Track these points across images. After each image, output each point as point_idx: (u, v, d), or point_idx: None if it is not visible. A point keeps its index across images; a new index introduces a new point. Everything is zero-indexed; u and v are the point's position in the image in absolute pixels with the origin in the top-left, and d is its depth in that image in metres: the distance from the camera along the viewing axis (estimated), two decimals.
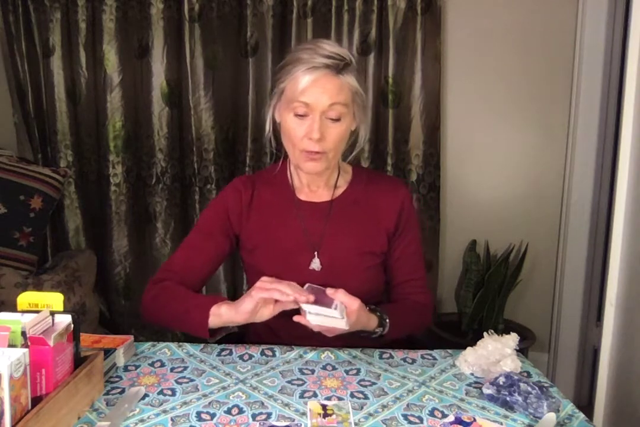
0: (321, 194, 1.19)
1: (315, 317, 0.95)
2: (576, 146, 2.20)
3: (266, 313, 0.98)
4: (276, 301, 0.98)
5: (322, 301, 0.98)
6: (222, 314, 0.98)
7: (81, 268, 2.06)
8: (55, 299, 0.86)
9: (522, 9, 2.18)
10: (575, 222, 2.24)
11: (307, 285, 1.05)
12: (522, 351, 1.52)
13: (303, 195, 1.20)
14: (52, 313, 0.82)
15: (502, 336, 1.03)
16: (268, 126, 1.14)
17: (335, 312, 0.96)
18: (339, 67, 1.02)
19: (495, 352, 1.00)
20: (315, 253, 1.15)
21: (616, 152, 1.35)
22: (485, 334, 1.04)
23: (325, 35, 2.12)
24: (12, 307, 0.85)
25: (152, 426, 0.81)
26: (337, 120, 1.05)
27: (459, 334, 2.13)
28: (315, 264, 1.15)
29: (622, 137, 1.25)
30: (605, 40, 2.11)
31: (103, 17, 2.16)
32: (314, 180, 1.18)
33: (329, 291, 0.99)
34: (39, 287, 1.83)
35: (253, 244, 1.18)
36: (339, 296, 0.98)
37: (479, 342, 1.03)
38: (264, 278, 0.98)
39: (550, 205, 2.30)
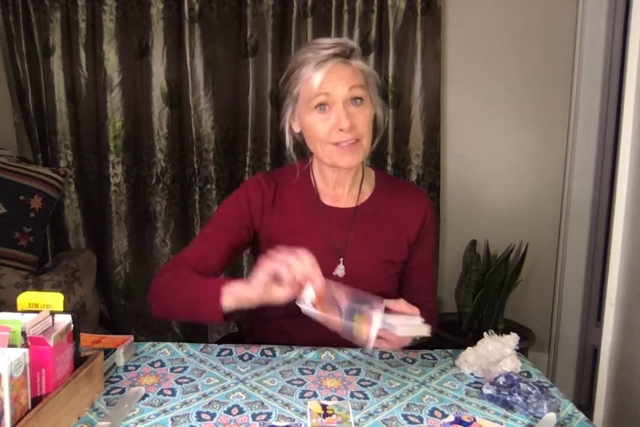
0: (346, 200, 1.17)
1: (403, 328, 0.89)
2: (576, 146, 2.20)
3: (282, 293, 0.87)
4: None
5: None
6: (236, 291, 0.91)
7: (81, 268, 2.06)
8: (55, 299, 0.86)
9: (522, 9, 2.18)
10: (575, 222, 2.24)
11: (353, 289, 0.97)
12: (522, 351, 1.52)
13: (328, 200, 1.17)
14: (52, 313, 0.82)
15: (502, 336, 1.03)
16: (288, 140, 1.12)
17: (418, 319, 0.91)
18: (345, 53, 1.02)
19: (495, 352, 1.00)
20: (341, 259, 1.14)
21: (616, 152, 1.35)
22: (485, 334, 1.04)
23: (325, 36, 2.12)
24: (12, 307, 0.85)
25: (152, 426, 0.81)
26: (361, 102, 1.03)
27: (459, 334, 2.13)
28: (340, 271, 1.13)
29: (622, 137, 1.25)
30: (605, 40, 2.11)
31: (103, 17, 2.16)
32: (342, 180, 1.14)
33: (390, 303, 0.95)
34: (39, 287, 1.83)
35: (274, 245, 1.10)
36: (402, 306, 0.95)
37: (479, 342, 1.03)
38: (277, 250, 0.88)
39: (550, 205, 2.30)
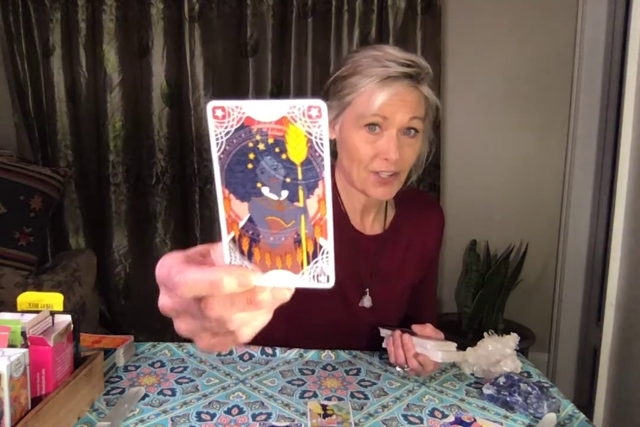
0: (373, 227, 1.09)
1: (444, 354, 0.90)
2: (576, 146, 2.20)
3: None
4: None
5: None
6: None
7: (81, 268, 2.06)
8: (55, 299, 0.86)
9: (522, 9, 2.18)
10: (575, 222, 2.24)
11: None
12: (522, 351, 1.52)
13: (357, 226, 1.08)
14: (52, 313, 0.82)
15: (502, 336, 1.03)
16: None
17: (453, 345, 0.92)
18: (419, 76, 0.93)
19: (496, 353, 1.00)
20: (367, 290, 1.08)
21: (616, 152, 1.35)
22: (485, 334, 1.04)
23: (325, 35, 2.12)
24: (12, 307, 0.85)
25: (152, 426, 0.81)
26: (415, 135, 0.94)
27: (459, 334, 2.13)
28: (367, 302, 1.07)
29: (622, 137, 1.25)
30: (605, 40, 2.11)
31: (103, 17, 2.16)
32: (369, 206, 1.06)
33: (417, 329, 0.95)
34: (39, 287, 1.83)
35: None
36: (429, 331, 0.95)
37: (479, 343, 1.03)
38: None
39: (550, 205, 2.30)
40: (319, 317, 1.07)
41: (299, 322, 1.08)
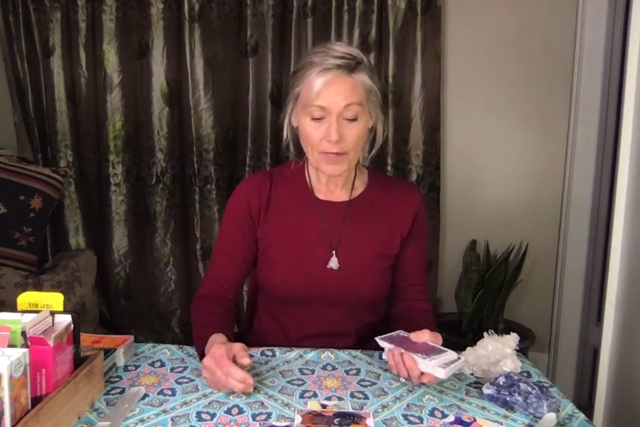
0: (339, 194, 1.19)
1: (448, 370, 0.88)
2: (576, 146, 2.20)
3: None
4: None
5: (409, 347, 0.93)
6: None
7: (81, 268, 2.06)
8: (55, 299, 0.86)
9: (522, 8, 2.18)
10: (575, 222, 2.24)
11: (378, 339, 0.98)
12: (522, 351, 1.52)
13: (321, 195, 1.19)
14: (52, 313, 0.82)
15: (502, 336, 1.03)
16: (285, 133, 1.15)
17: (454, 354, 0.91)
18: (350, 66, 1.03)
19: (495, 353, 1.00)
20: (334, 252, 1.15)
21: (616, 152, 1.35)
22: (485, 334, 1.04)
23: (325, 35, 2.12)
24: (12, 307, 0.85)
25: (152, 426, 0.81)
26: (354, 120, 1.05)
27: (459, 334, 2.13)
28: (333, 263, 1.15)
29: (622, 137, 1.25)
30: (605, 40, 2.11)
31: (103, 17, 2.16)
32: (333, 180, 1.17)
33: (414, 337, 0.96)
34: (39, 287, 1.83)
35: (269, 240, 1.18)
36: (426, 336, 0.96)
37: (479, 343, 1.03)
38: (209, 361, 0.90)
39: (550, 205, 2.30)
40: (291, 287, 1.15)
41: (276, 301, 1.20)
